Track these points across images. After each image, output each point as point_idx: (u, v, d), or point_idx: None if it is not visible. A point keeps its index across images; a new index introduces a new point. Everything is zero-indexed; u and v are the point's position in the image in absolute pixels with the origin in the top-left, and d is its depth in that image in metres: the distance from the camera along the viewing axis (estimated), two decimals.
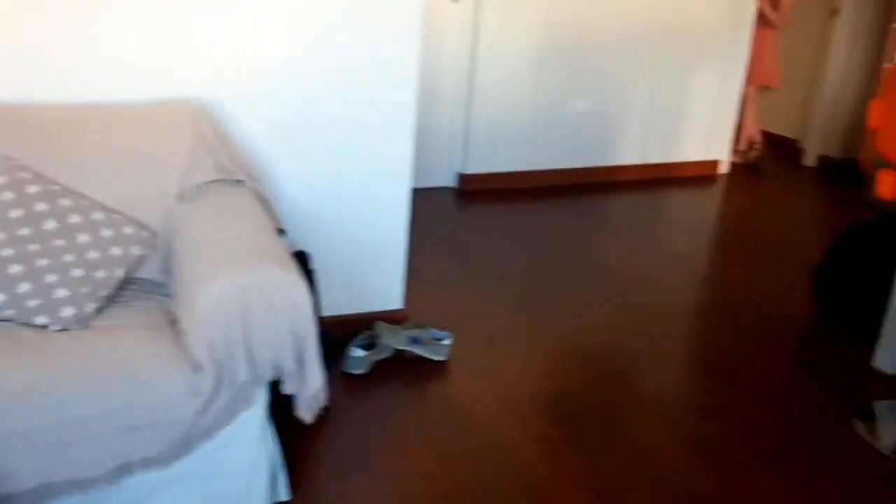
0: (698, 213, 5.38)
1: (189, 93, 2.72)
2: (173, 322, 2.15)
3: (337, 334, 3.16)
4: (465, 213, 4.94)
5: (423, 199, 5.05)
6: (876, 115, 2.82)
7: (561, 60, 5.32)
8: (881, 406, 3.11)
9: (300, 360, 2.09)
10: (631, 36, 5.50)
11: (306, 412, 2.14)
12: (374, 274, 3.23)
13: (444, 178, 5.34)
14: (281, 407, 2.32)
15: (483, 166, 5.31)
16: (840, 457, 2.81)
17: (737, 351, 3.46)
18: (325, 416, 2.73)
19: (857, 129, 6.49)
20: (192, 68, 2.70)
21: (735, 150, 6.43)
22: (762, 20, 6.01)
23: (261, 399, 2.11)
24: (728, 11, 5.78)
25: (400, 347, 3.07)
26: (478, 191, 5.30)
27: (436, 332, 3.17)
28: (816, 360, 3.45)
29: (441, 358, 3.10)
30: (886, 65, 5.61)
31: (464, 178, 5.29)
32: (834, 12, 6.35)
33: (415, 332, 3.09)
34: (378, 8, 2.90)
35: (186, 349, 2.03)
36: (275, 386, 2.17)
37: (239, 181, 2.58)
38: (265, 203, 2.62)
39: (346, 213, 3.09)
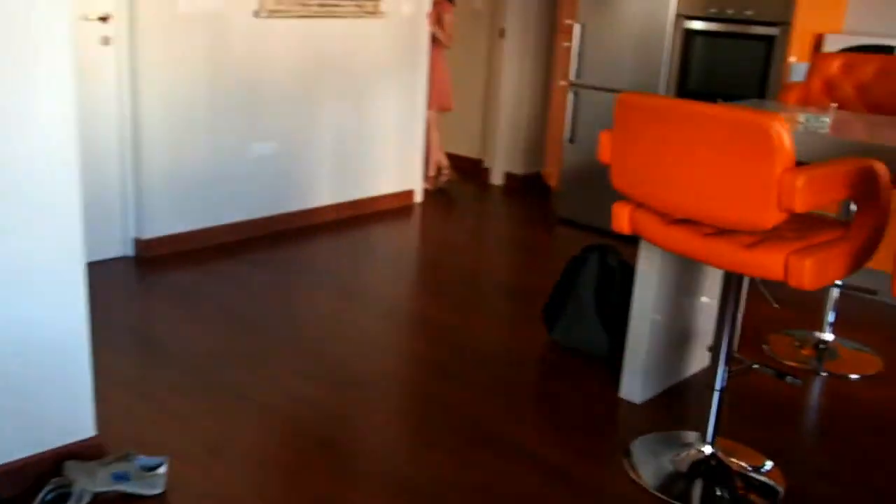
0: (401, 249, 5.13)
1: None
2: None
3: (12, 491, 2.42)
4: (150, 285, 4.27)
5: (95, 275, 4.28)
6: (606, 147, 2.65)
7: (237, 102, 4.80)
8: (636, 443, 2.98)
9: None
10: (310, 72, 5.11)
11: None
12: (52, 396, 2.52)
13: (119, 247, 4.60)
14: None
15: (163, 228, 4.65)
16: (607, 500, 2.62)
17: (479, 402, 3.18)
18: None
19: (537, 143, 6.62)
20: None
21: (426, 178, 6.28)
22: (432, 41, 5.90)
23: None
24: (403, 37, 5.60)
25: (102, 490, 2.42)
26: (161, 256, 4.63)
27: (145, 460, 2.54)
28: (565, 397, 3.25)
29: (157, 491, 2.49)
30: (562, 82, 5.72)
31: (142, 244, 4.60)
32: (501, 32, 6.42)
33: (119, 467, 2.45)
34: (13, 55, 2.24)
35: None
36: None
37: None
38: None
39: (1, 322, 2.37)
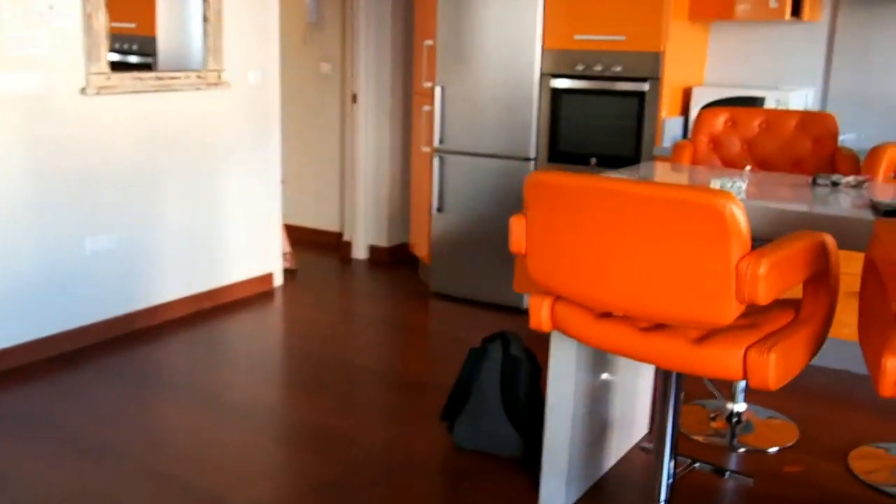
0: (267, 342, 4.61)
1: None
2: None
3: None
4: None
5: None
6: (519, 235, 2.30)
7: (66, 193, 4.20)
8: None
9: None
10: (150, 153, 4.56)
11: None
12: None
13: None
14: None
15: None
16: None
17: None
18: None
19: (401, 213, 6.26)
20: None
21: (284, 257, 5.79)
22: None
23: None
24: (250, 108, 5.14)
25: None
26: None
27: None
28: None
29: None
30: (424, 148, 5.40)
31: None
32: (353, 97, 6.06)
33: None
34: None
35: None
36: None
37: None
38: None
39: None
